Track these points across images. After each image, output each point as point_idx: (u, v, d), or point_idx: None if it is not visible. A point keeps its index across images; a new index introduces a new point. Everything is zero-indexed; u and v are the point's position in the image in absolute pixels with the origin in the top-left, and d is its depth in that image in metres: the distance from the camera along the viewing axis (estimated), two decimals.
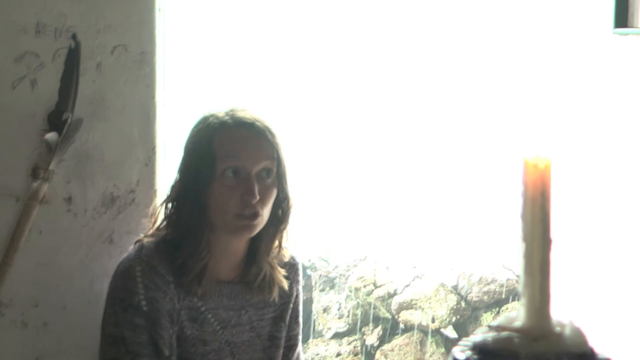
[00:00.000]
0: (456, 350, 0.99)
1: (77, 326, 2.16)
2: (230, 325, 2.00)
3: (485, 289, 3.95)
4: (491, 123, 4.14)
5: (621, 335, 2.76)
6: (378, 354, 3.94)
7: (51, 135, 2.10)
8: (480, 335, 0.99)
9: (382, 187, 4.29)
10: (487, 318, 3.92)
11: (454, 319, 3.94)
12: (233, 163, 1.90)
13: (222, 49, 4.10)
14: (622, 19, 2.50)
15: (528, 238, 0.96)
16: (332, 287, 4.06)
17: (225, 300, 2.00)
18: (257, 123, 1.95)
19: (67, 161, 2.15)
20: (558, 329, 0.97)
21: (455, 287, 3.99)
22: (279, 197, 1.97)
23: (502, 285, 3.96)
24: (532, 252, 0.96)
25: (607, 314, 2.83)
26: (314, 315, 4.02)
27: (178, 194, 1.96)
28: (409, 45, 4.20)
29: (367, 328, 4.01)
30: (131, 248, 2.02)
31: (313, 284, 4.05)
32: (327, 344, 3.98)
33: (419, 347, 3.91)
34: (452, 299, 3.94)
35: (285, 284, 2.06)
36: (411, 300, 3.94)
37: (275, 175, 1.95)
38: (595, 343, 0.99)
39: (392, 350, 3.92)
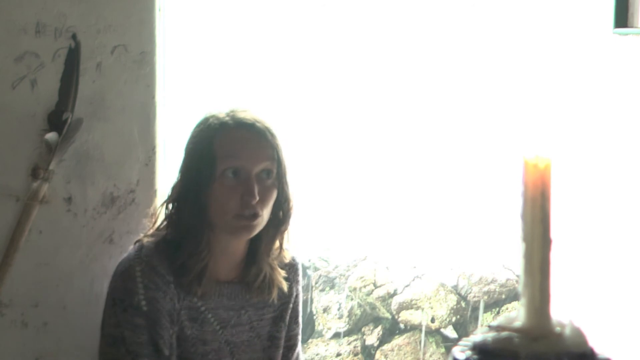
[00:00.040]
0: (456, 350, 0.99)
1: (77, 326, 2.16)
2: (230, 325, 2.00)
3: (485, 289, 3.95)
4: (491, 123, 4.14)
5: (621, 335, 2.76)
6: (378, 354, 3.94)
7: (51, 135, 2.10)
8: (480, 335, 0.99)
9: (382, 188, 4.29)
10: (487, 318, 3.92)
11: (454, 319, 3.94)
12: (233, 163, 1.90)
13: (222, 49, 4.10)
14: (622, 19, 2.50)
15: (528, 238, 0.96)
16: (332, 287, 4.06)
17: (225, 300, 2.00)
18: (258, 124, 1.95)
19: (67, 161, 2.15)
20: (558, 329, 0.97)
21: (455, 287, 3.99)
22: (279, 198, 1.97)
23: (502, 285, 3.96)
24: (532, 252, 0.96)
25: (607, 314, 2.83)
26: (314, 315, 4.02)
27: (178, 194, 1.96)
28: (409, 45, 4.20)
29: (367, 328, 4.01)
30: (131, 248, 2.02)
31: (313, 284, 4.05)
32: (327, 344, 3.98)
33: (419, 347, 3.91)
34: (452, 299, 3.95)
35: (284, 286, 2.06)
36: (411, 300, 3.94)
37: (275, 176, 1.95)
38: (595, 343, 0.99)
39: (392, 350, 3.92)
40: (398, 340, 3.94)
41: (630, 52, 2.75)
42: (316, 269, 4.12)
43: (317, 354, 3.95)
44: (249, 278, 2.01)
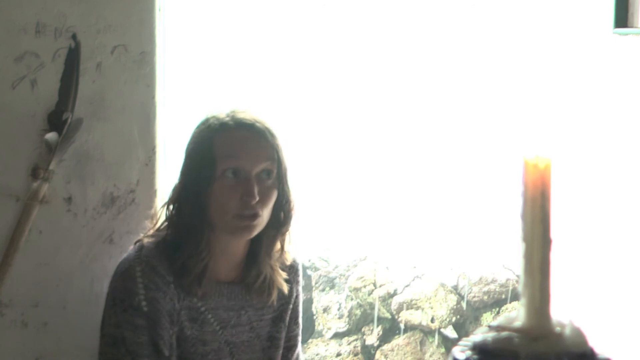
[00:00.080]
0: (456, 350, 0.99)
1: (77, 326, 2.16)
2: (229, 325, 2.00)
3: (485, 289, 3.95)
4: (491, 123, 4.14)
5: (621, 335, 2.76)
6: (378, 354, 3.94)
7: (51, 135, 2.10)
8: (480, 335, 0.99)
9: (382, 188, 4.29)
10: (487, 318, 3.92)
11: (454, 319, 3.94)
12: (233, 164, 1.90)
13: (223, 49, 4.10)
14: (622, 19, 2.50)
15: (528, 238, 0.96)
16: (332, 287, 4.06)
17: (225, 301, 2.00)
18: (257, 124, 1.95)
19: (67, 161, 2.15)
20: (558, 329, 0.97)
21: (455, 287, 3.99)
22: (280, 199, 1.96)
23: (502, 285, 3.96)
24: (532, 252, 0.96)
25: (607, 314, 2.83)
26: (314, 315, 4.02)
27: (179, 195, 1.96)
28: (409, 45, 4.20)
29: (367, 328, 4.01)
30: (131, 248, 2.02)
31: (313, 284, 4.05)
32: (327, 344, 3.98)
33: (419, 347, 3.91)
34: (452, 299, 3.94)
35: (285, 288, 2.06)
36: (411, 300, 3.94)
37: (275, 177, 1.94)
38: (595, 343, 0.99)
39: (392, 350, 3.92)
40: (398, 340, 3.94)
41: (630, 52, 2.75)
42: (316, 269, 4.12)
43: (317, 354, 3.95)
44: (249, 279, 2.01)
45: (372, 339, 3.97)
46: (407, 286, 3.98)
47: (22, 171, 2.13)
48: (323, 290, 4.05)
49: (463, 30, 4.12)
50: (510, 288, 3.94)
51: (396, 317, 3.95)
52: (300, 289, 2.16)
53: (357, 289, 4.00)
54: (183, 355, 1.95)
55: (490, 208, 4.05)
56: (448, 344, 3.90)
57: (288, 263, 2.09)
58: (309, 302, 3.99)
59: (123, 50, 2.16)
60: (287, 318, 2.11)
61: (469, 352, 0.98)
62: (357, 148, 4.31)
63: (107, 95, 2.16)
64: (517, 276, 2.35)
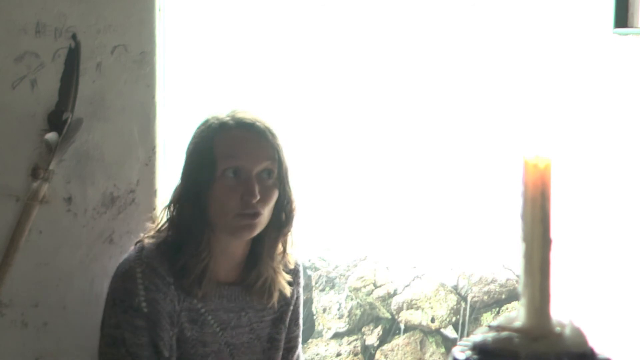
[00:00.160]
0: (456, 350, 0.99)
1: (77, 326, 2.16)
2: (230, 326, 2.00)
3: (485, 289, 3.95)
4: (491, 123, 4.14)
5: (621, 335, 2.76)
6: (378, 354, 3.94)
7: (51, 135, 2.10)
8: (480, 335, 0.99)
9: (382, 188, 4.28)
10: (487, 318, 3.91)
11: (454, 319, 3.93)
12: (233, 163, 1.90)
13: (223, 49, 4.10)
14: (622, 19, 2.50)
15: (528, 238, 0.96)
16: (332, 287, 4.06)
17: (225, 302, 1.99)
18: (258, 123, 1.95)
19: (67, 161, 2.15)
20: (558, 329, 0.97)
21: (455, 287, 3.99)
22: (281, 199, 1.96)
23: (502, 285, 3.96)
24: (532, 252, 0.96)
25: (607, 314, 2.83)
26: (314, 315, 4.02)
27: (180, 196, 1.96)
28: (409, 45, 4.20)
29: (367, 328, 4.01)
30: (131, 249, 2.01)
31: (313, 284, 4.05)
32: (327, 344, 3.98)
33: (419, 347, 3.91)
34: (452, 299, 3.94)
35: (288, 291, 2.06)
36: (411, 300, 3.94)
37: (276, 177, 1.94)
38: (595, 343, 0.99)
39: (392, 350, 3.92)
40: (398, 340, 3.94)
41: (630, 52, 2.75)
42: (316, 269, 4.11)
43: (317, 354, 3.95)
44: (249, 280, 2.01)
45: (372, 339, 3.97)
46: (407, 286, 3.98)
47: (22, 171, 2.13)
48: (323, 290, 4.05)
49: (463, 30, 4.12)
50: (510, 288, 3.94)
51: (396, 317, 3.95)
52: (301, 290, 2.16)
53: (357, 289, 4.00)
54: (183, 356, 1.95)
55: (490, 208, 4.05)
56: (448, 344, 3.90)
57: (291, 266, 2.09)
58: (309, 302, 3.99)
59: (123, 50, 2.16)
60: (288, 319, 2.11)
61: (469, 352, 0.98)
62: (357, 148, 4.31)
63: (107, 95, 2.16)
64: (517, 276, 2.35)
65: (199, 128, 1.98)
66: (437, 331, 3.95)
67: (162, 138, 2.22)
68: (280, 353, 2.10)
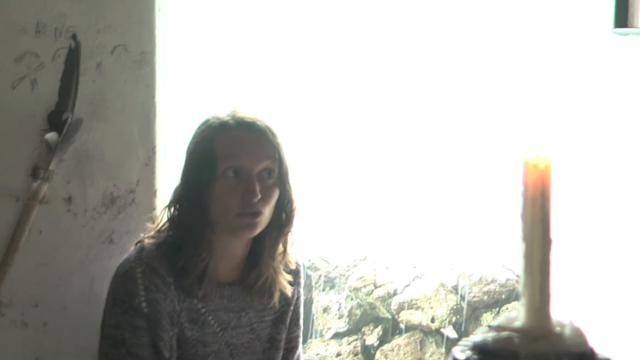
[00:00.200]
0: (456, 350, 0.99)
1: (77, 326, 2.16)
2: (230, 327, 2.00)
3: (485, 289, 3.95)
4: (491, 123, 4.14)
5: (621, 335, 2.76)
6: (378, 354, 3.93)
7: (51, 135, 2.10)
8: (480, 335, 0.99)
9: (382, 188, 4.28)
10: (487, 318, 3.91)
11: (454, 319, 3.93)
12: (234, 163, 1.90)
13: (223, 49, 4.09)
14: (622, 19, 2.50)
15: (528, 238, 0.96)
16: (332, 287, 4.06)
17: (226, 302, 1.99)
18: (258, 123, 1.95)
19: (67, 161, 2.15)
20: (558, 329, 0.97)
21: (455, 287, 3.99)
22: (282, 199, 1.96)
23: (502, 285, 3.96)
24: (532, 252, 0.96)
25: (607, 314, 2.83)
26: (314, 315, 4.02)
27: (180, 196, 1.96)
28: (409, 45, 4.20)
29: (367, 328, 4.01)
30: (132, 249, 2.01)
31: (313, 284, 4.05)
32: (327, 344, 3.98)
33: (419, 347, 3.91)
34: (452, 299, 3.94)
35: (289, 291, 2.06)
36: (411, 300, 3.94)
37: (277, 176, 1.94)
38: (595, 343, 0.99)
39: (392, 350, 3.92)
40: (398, 340, 3.94)
41: (630, 52, 2.75)
42: (316, 269, 4.11)
43: (317, 354, 3.95)
44: (250, 280, 2.01)
45: (372, 339, 3.97)
46: (407, 286, 3.98)
47: (22, 171, 2.13)
48: (323, 290, 4.05)
49: (463, 30, 4.12)
50: (510, 288, 3.94)
51: (396, 317, 3.95)
52: (301, 290, 2.16)
53: (357, 289, 4.00)
54: (183, 356, 1.95)
55: (490, 208, 4.04)
56: (448, 344, 3.90)
57: (292, 267, 2.09)
58: (309, 302, 3.99)
59: (123, 50, 2.16)
60: (288, 320, 2.11)
61: (469, 352, 0.98)
62: (357, 148, 4.31)
63: (107, 95, 2.16)
64: (517, 276, 2.35)
65: (199, 128, 1.98)
66: (437, 331, 3.95)
67: (162, 138, 2.23)
68: (281, 353, 2.10)
